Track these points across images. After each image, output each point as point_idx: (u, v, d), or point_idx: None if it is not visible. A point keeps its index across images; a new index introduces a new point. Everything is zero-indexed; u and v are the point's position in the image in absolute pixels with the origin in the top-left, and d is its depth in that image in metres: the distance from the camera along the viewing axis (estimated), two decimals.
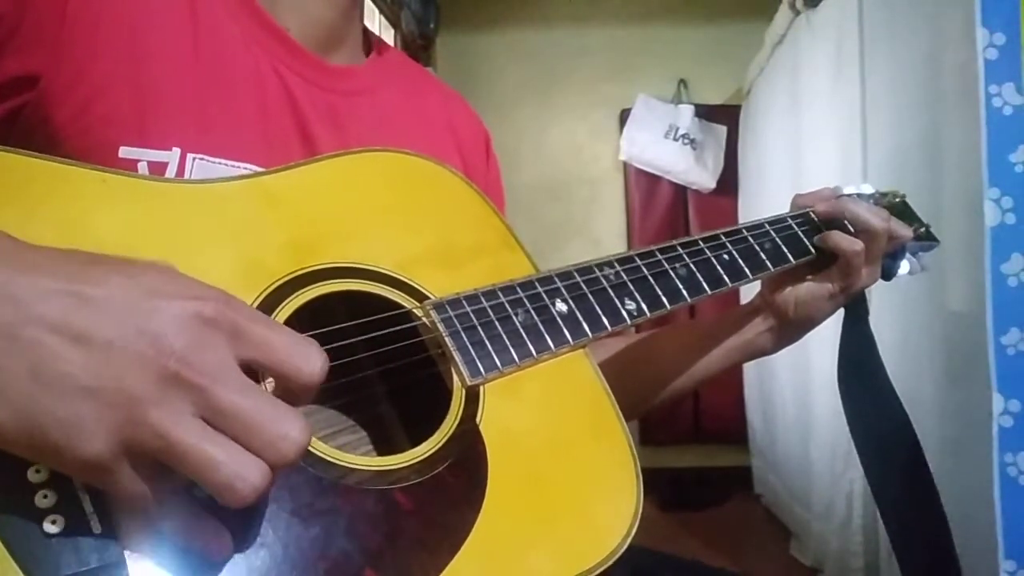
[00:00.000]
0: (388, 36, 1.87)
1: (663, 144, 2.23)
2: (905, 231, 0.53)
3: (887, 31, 1.16)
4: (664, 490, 2.02)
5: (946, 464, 0.80)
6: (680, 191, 2.30)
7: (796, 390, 1.65)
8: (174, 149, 0.40)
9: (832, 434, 1.40)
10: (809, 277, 0.53)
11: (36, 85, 0.37)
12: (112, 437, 0.23)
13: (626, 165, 2.32)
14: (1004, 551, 0.73)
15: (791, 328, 0.54)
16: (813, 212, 0.54)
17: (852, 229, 0.52)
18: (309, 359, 0.26)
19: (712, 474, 2.19)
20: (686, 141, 2.22)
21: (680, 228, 2.29)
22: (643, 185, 2.31)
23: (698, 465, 2.23)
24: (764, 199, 1.89)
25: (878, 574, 1.25)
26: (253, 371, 0.26)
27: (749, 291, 0.56)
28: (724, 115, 2.24)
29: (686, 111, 2.24)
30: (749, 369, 2.06)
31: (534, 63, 2.35)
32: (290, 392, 0.26)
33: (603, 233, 2.35)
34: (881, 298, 1.05)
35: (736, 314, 0.56)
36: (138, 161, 0.39)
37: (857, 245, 0.50)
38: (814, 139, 1.47)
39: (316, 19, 0.48)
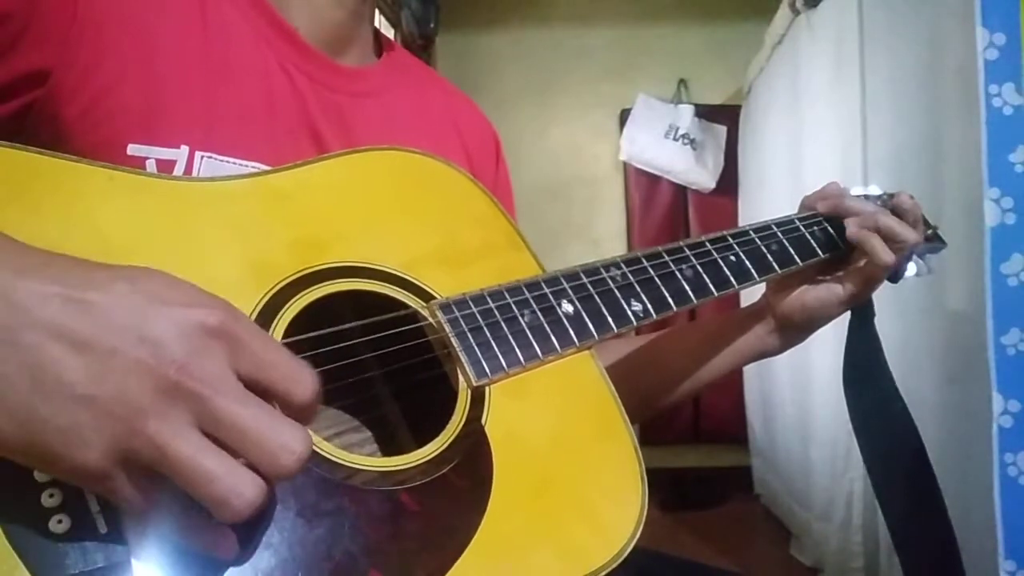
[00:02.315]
0: (388, 36, 1.87)
1: (663, 144, 2.23)
2: (918, 238, 0.52)
3: (887, 31, 1.16)
4: (664, 490, 2.02)
5: (946, 464, 0.80)
6: (680, 191, 2.30)
7: (796, 390, 1.65)
8: (182, 147, 0.40)
9: (832, 434, 1.40)
10: (820, 278, 0.53)
11: (46, 82, 0.37)
12: (109, 446, 0.23)
13: (626, 165, 2.32)
14: (1004, 551, 0.73)
15: (795, 331, 0.54)
16: (826, 221, 0.53)
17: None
18: (301, 382, 0.26)
19: (712, 474, 2.19)
20: (686, 141, 2.22)
21: (680, 228, 2.29)
22: (643, 185, 2.31)
23: (698, 465, 2.23)
24: (764, 199, 1.89)
25: (878, 574, 1.25)
26: (250, 386, 0.25)
27: (751, 291, 0.56)
28: (724, 115, 2.24)
29: (686, 111, 2.24)
30: (749, 369, 2.06)
31: (534, 63, 2.34)
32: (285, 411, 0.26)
33: (603, 233, 2.35)
34: (881, 298, 1.05)
35: (740, 316, 0.56)
36: (146, 159, 0.39)
37: (891, 257, 0.49)
38: (814, 139, 1.47)
39: (325, 19, 0.48)
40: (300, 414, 0.26)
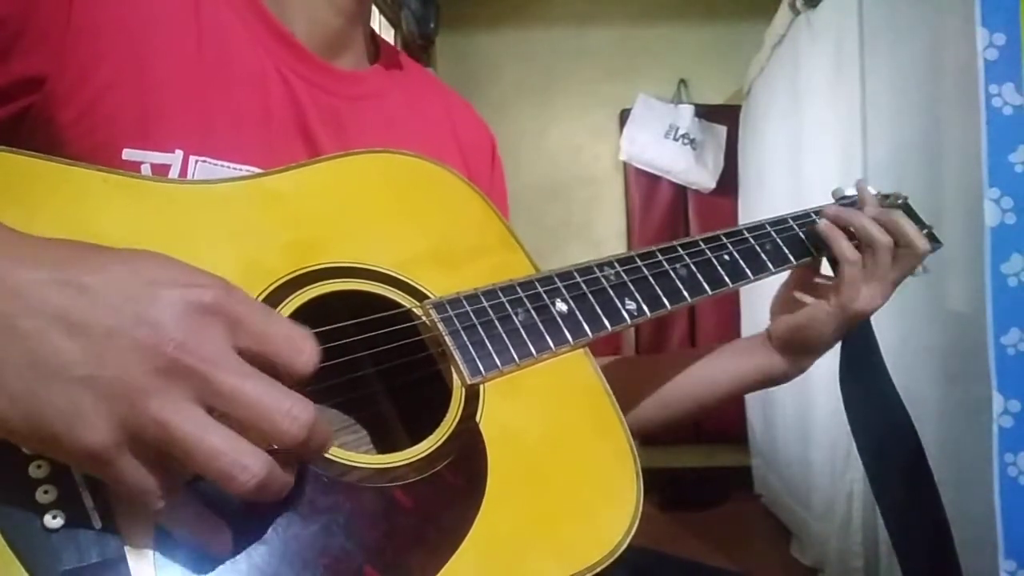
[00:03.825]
0: (388, 36, 1.87)
1: (663, 144, 2.23)
2: (916, 244, 0.50)
3: (887, 31, 1.16)
4: (664, 490, 2.02)
5: (946, 464, 0.80)
6: (680, 191, 2.30)
7: (796, 390, 1.64)
8: (177, 151, 0.40)
9: (832, 434, 1.40)
10: (809, 300, 0.52)
11: (41, 87, 0.37)
12: (112, 426, 0.23)
13: (626, 165, 2.32)
14: (1004, 551, 0.73)
15: (793, 352, 0.53)
16: (815, 216, 0.53)
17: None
18: (303, 351, 0.26)
19: (712, 474, 2.19)
20: (686, 141, 2.22)
21: (680, 228, 2.29)
22: (643, 185, 2.31)
23: (698, 465, 2.23)
24: (764, 199, 1.89)
25: (878, 574, 1.25)
26: (251, 359, 0.25)
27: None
28: (724, 115, 2.24)
29: (686, 111, 2.24)
30: None
31: (534, 63, 2.35)
32: (285, 382, 0.26)
33: (603, 233, 2.35)
34: None
35: (742, 341, 0.56)
36: (141, 163, 0.39)
37: (854, 254, 0.49)
38: (814, 139, 1.47)
39: (322, 24, 0.48)
40: (303, 381, 0.26)
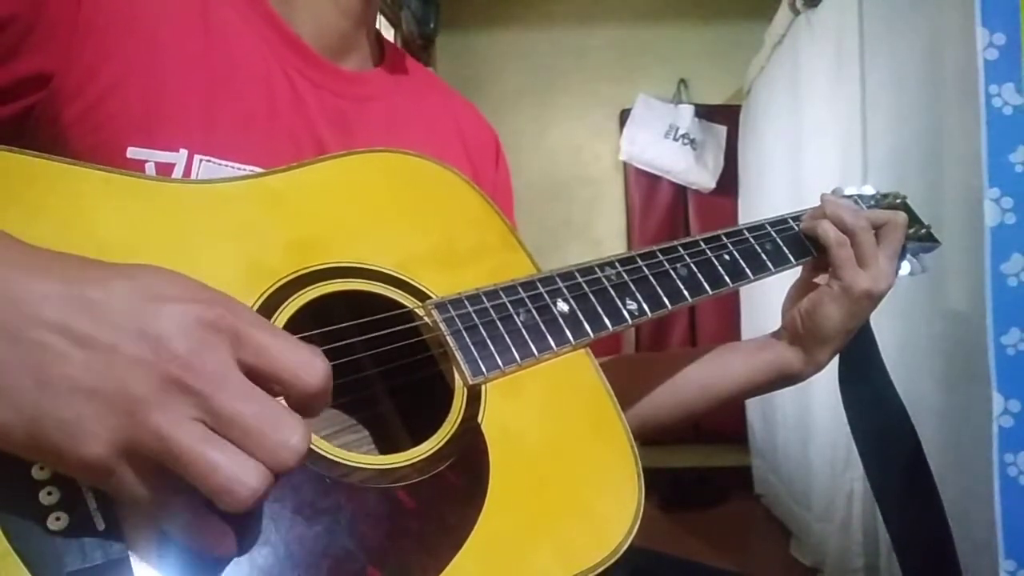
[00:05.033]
0: (388, 36, 1.87)
1: (663, 144, 2.23)
2: (893, 223, 0.52)
3: (887, 31, 1.16)
4: (664, 490, 2.02)
5: (946, 464, 0.80)
6: (680, 191, 2.30)
7: (796, 390, 1.63)
8: (181, 150, 0.40)
9: (832, 434, 1.40)
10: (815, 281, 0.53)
11: (47, 84, 0.38)
12: (113, 439, 0.23)
13: (626, 165, 2.32)
14: (1004, 551, 0.73)
15: (806, 342, 0.53)
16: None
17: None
18: (311, 367, 0.26)
19: (712, 474, 2.19)
20: (686, 141, 2.23)
21: (680, 228, 2.29)
22: (643, 185, 2.31)
23: (698, 465, 2.23)
24: (764, 199, 1.89)
25: (878, 574, 1.25)
26: (255, 376, 0.25)
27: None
28: (724, 115, 2.25)
29: (686, 111, 2.24)
30: None
31: (534, 63, 2.35)
32: (293, 400, 0.26)
33: (603, 233, 2.36)
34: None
35: (758, 338, 0.56)
36: (145, 162, 0.39)
37: (838, 235, 0.50)
38: (814, 139, 1.47)
39: (329, 26, 0.48)
40: (314, 399, 0.26)
